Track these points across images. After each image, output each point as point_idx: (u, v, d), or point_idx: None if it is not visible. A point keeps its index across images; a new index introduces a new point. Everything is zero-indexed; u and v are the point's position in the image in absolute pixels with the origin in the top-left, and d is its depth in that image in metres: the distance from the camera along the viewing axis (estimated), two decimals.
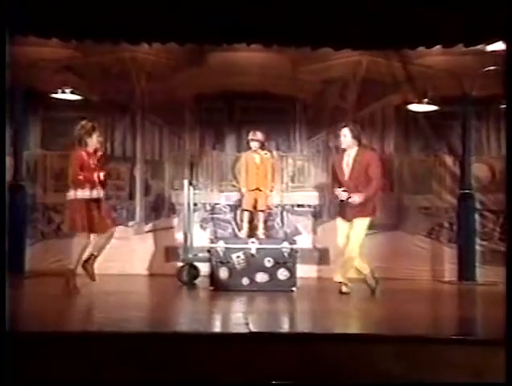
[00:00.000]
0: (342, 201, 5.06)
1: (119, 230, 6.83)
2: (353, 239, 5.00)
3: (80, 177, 4.92)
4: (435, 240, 6.92)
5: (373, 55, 6.76)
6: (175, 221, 6.88)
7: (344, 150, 5.17)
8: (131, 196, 6.99)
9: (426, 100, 6.47)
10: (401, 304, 4.81)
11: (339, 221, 5.16)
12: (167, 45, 5.90)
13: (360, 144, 5.14)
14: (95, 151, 5.10)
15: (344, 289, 5.10)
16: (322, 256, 6.34)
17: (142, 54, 6.76)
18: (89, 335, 3.07)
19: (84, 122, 5.15)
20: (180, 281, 5.82)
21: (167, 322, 3.71)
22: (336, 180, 5.17)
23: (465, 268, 6.61)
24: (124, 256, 6.68)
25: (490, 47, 6.15)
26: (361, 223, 5.02)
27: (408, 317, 4.11)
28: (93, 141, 5.08)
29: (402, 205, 6.98)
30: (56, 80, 6.51)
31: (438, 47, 5.85)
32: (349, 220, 5.04)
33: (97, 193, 5.01)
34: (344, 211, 5.08)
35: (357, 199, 4.95)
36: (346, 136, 5.10)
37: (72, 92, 6.46)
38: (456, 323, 3.94)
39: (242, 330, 3.27)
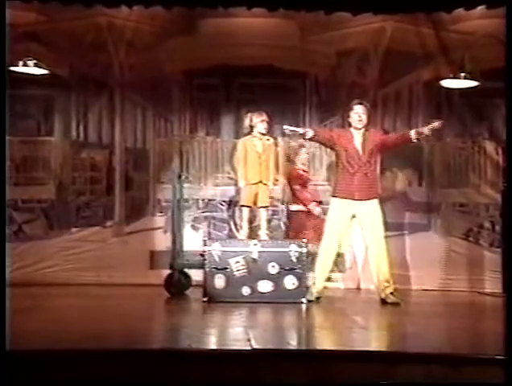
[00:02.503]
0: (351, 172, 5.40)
1: (94, 231, 6.88)
2: (377, 229, 5.34)
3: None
4: (473, 244, 6.91)
5: (399, 21, 6.72)
6: (162, 221, 6.88)
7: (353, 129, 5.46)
8: (109, 191, 6.98)
9: (463, 74, 6.43)
10: (432, 319, 4.79)
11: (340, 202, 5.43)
12: (151, 9, 5.89)
13: (369, 123, 5.49)
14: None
15: (391, 298, 5.33)
16: (337, 262, 6.29)
17: (121, 19, 6.74)
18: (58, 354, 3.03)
19: None
20: (168, 291, 5.80)
21: (153, 339, 3.71)
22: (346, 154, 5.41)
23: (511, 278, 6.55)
24: (100, 263, 6.67)
25: None
26: (377, 208, 5.41)
27: (442, 334, 4.09)
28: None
29: (434, 201, 6.97)
30: (16, 50, 6.44)
31: (480, 7, 5.80)
32: (362, 199, 5.35)
33: None
34: (350, 186, 5.39)
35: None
36: (365, 114, 5.43)
37: (35, 65, 6.42)
38: (499, 342, 3.90)
39: (243, 346, 3.26)
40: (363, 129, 5.47)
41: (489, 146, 6.96)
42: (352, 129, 5.48)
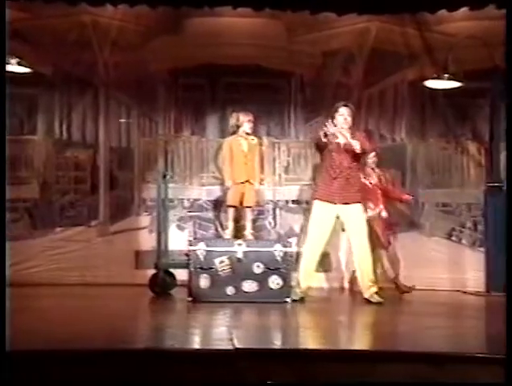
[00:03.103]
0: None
1: (79, 231, 6.84)
2: (360, 231, 5.39)
3: None
4: (456, 243, 6.94)
5: (384, 22, 6.75)
6: (147, 220, 6.85)
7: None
8: (93, 190, 6.93)
9: (447, 75, 6.45)
10: (417, 318, 4.82)
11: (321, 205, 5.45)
12: (136, 7, 5.86)
13: (353, 125, 5.54)
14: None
15: (375, 297, 5.37)
16: (322, 262, 6.30)
17: (106, 18, 6.71)
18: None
19: None
20: (153, 291, 5.79)
21: (138, 338, 3.70)
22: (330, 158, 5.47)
23: (494, 277, 6.58)
24: (85, 263, 6.63)
25: None
26: (360, 210, 5.47)
27: (425, 333, 4.10)
28: None
29: (417, 201, 6.95)
30: None
31: (463, 9, 5.84)
32: (343, 203, 5.39)
33: None
34: (330, 190, 5.42)
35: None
36: (350, 116, 5.46)
37: (19, 64, 6.36)
38: (482, 341, 3.93)
39: (226, 346, 3.25)
40: (348, 131, 5.47)
41: (472, 147, 7.01)
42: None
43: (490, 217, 6.72)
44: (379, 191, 6.25)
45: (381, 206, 6.21)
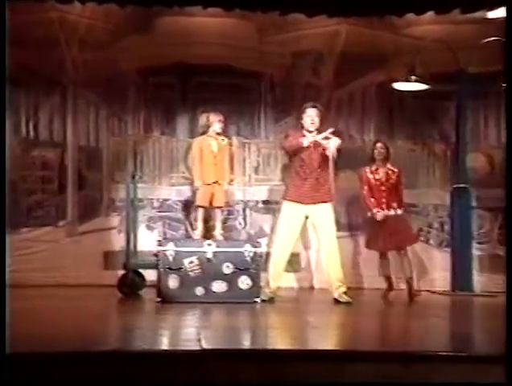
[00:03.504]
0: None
1: (47, 231, 6.76)
2: (329, 231, 5.41)
3: None
4: (423, 244, 6.99)
5: (353, 24, 6.81)
6: (116, 220, 6.81)
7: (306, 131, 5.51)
8: (61, 190, 6.85)
9: (414, 77, 6.52)
10: (384, 318, 4.86)
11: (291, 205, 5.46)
12: (105, 5, 5.81)
13: (321, 125, 5.53)
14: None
15: (344, 297, 5.40)
16: (292, 262, 6.33)
17: (74, 15, 6.65)
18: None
19: None
20: (122, 291, 5.75)
21: (105, 340, 3.66)
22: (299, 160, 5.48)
23: (460, 277, 6.70)
24: (53, 264, 6.56)
25: (491, 15, 6.27)
26: (329, 210, 5.47)
27: (393, 332, 4.14)
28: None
29: None
30: None
31: (429, 13, 5.93)
32: (313, 203, 5.42)
33: None
34: (301, 191, 5.41)
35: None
36: (317, 116, 5.50)
37: None
38: (448, 339, 3.99)
39: (194, 347, 3.25)
40: (316, 132, 5.53)
41: (439, 148, 7.12)
42: (304, 132, 5.54)
43: (456, 218, 6.83)
44: (383, 188, 5.95)
45: (384, 205, 5.88)
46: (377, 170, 5.98)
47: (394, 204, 5.93)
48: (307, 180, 5.48)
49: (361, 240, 6.89)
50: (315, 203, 5.49)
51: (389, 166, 6.01)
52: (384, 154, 5.99)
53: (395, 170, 6.04)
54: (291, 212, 5.52)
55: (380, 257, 6.05)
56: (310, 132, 5.52)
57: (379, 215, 5.85)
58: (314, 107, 5.54)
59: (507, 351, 2.94)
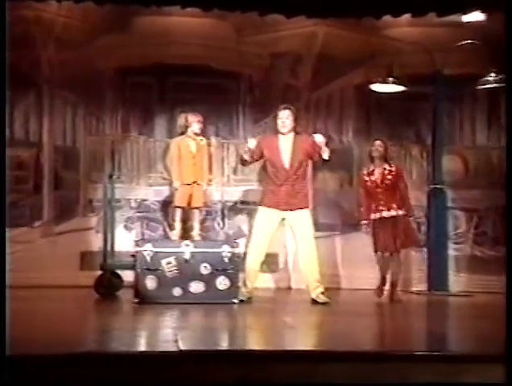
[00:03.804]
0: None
1: (22, 232, 6.69)
2: (307, 234, 5.42)
3: None
4: None
5: (330, 26, 6.84)
6: (94, 221, 6.77)
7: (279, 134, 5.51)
8: (37, 190, 6.79)
9: (391, 79, 6.57)
10: (360, 318, 4.89)
11: (266, 211, 5.47)
12: (82, 4, 5.76)
13: (296, 128, 5.53)
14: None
15: (322, 297, 5.42)
16: (269, 262, 6.36)
17: (50, 14, 6.60)
18: None
19: None
20: (98, 292, 5.72)
21: (82, 341, 3.63)
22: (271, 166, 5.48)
23: (436, 277, 6.76)
24: (28, 264, 6.48)
25: (466, 18, 6.35)
26: (307, 215, 5.47)
27: (368, 332, 4.17)
28: None
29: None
30: None
31: (406, 16, 5.98)
32: (289, 210, 5.42)
33: None
34: (277, 198, 5.39)
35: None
36: (288, 118, 5.48)
37: None
38: (423, 339, 4.03)
39: (170, 348, 3.25)
40: (292, 134, 5.53)
41: (415, 149, 7.18)
42: (279, 135, 5.54)
43: (432, 218, 6.90)
44: (379, 190, 5.82)
45: (382, 207, 5.79)
46: (373, 171, 5.90)
47: (394, 205, 5.81)
48: (282, 186, 5.46)
49: (338, 240, 6.96)
50: (292, 210, 5.48)
51: (386, 165, 5.88)
52: (381, 153, 5.85)
53: (392, 169, 5.87)
54: (267, 216, 5.52)
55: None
56: (283, 134, 5.51)
57: (364, 223, 5.95)
58: (286, 109, 5.53)
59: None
